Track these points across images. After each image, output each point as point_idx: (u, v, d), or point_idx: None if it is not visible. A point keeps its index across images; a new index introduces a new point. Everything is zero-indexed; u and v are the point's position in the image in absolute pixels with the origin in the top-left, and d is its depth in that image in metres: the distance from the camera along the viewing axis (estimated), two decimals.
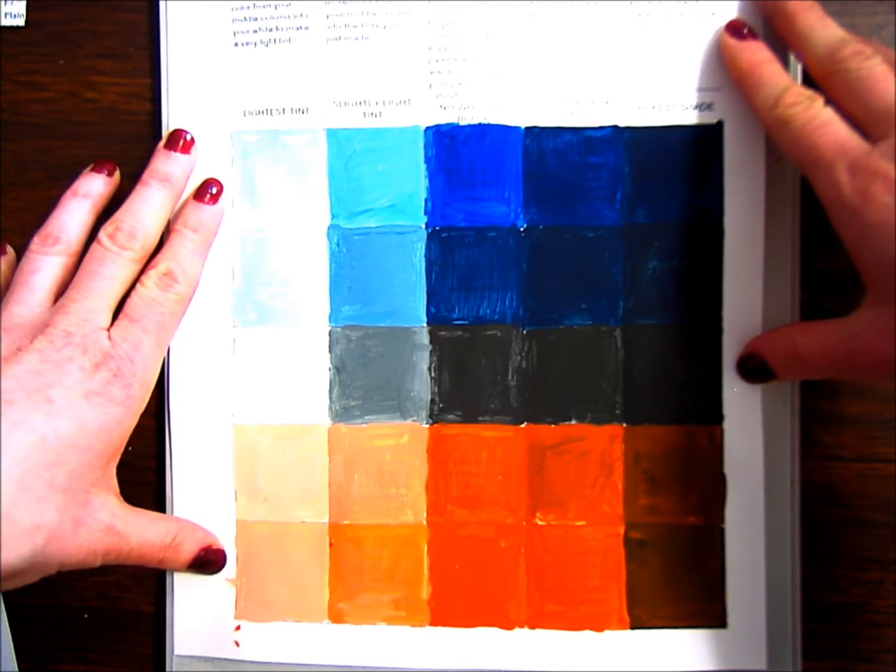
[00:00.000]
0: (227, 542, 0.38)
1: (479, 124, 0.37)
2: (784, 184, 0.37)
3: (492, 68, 0.37)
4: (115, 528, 0.34)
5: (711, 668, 0.37)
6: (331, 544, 0.38)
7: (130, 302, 0.36)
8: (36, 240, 0.36)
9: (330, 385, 0.38)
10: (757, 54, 0.34)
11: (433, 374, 0.38)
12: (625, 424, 0.37)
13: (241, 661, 0.38)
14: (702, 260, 0.37)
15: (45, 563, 0.33)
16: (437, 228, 0.38)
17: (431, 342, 0.38)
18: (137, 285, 0.36)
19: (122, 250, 0.35)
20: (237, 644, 0.38)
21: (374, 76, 0.38)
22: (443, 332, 0.38)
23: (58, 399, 0.33)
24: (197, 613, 0.38)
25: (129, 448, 0.39)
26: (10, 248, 0.39)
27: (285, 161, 0.38)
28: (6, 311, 0.35)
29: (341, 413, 0.38)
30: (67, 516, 0.33)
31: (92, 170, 0.38)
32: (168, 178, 0.37)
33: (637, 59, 0.37)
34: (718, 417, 0.37)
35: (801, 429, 0.37)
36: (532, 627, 0.37)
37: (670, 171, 0.37)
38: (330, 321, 0.38)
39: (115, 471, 0.36)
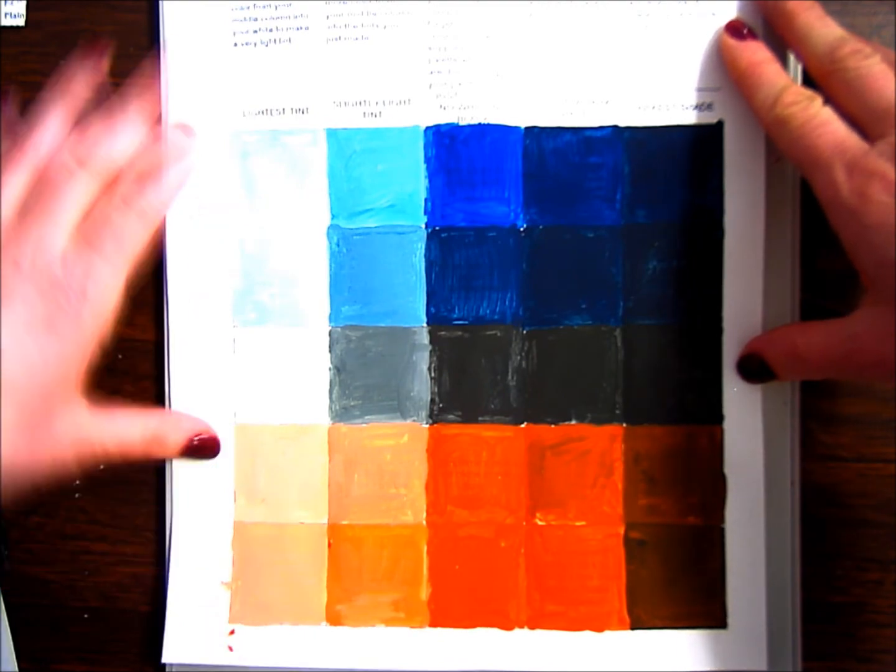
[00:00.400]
0: (224, 546, 0.38)
1: (479, 124, 0.37)
2: (784, 184, 0.36)
3: (492, 68, 0.37)
4: (85, 438, 0.34)
5: (711, 669, 0.37)
6: (330, 545, 0.38)
7: (88, 224, 0.34)
8: (6, 153, 0.35)
9: (330, 385, 0.38)
10: (756, 54, 0.34)
11: (433, 374, 0.38)
12: (625, 424, 0.37)
13: (235, 667, 0.38)
14: (702, 260, 0.37)
15: (14, 487, 0.33)
16: (437, 228, 0.38)
17: (431, 342, 0.38)
18: (98, 205, 0.34)
19: (84, 170, 0.34)
20: (230, 649, 0.38)
21: (373, 76, 0.37)
22: (443, 332, 0.38)
23: (2, 337, 0.32)
24: (189, 619, 0.38)
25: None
26: None
27: (285, 161, 0.38)
28: None
29: (341, 413, 0.38)
30: (24, 449, 0.32)
31: (78, 70, 0.36)
32: (141, 108, 0.36)
33: (637, 59, 0.37)
34: (718, 418, 0.37)
35: (801, 429, 0.37)
36: (532, 628, 0.37)
37: (670, 171, 0.37)
38: (330, 321, 0.38)
39: (82, 377, 0.34)
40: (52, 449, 0.34)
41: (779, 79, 0.33)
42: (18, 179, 0.35)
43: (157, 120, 0.37)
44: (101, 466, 0.35)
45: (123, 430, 0.36)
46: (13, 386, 0.32)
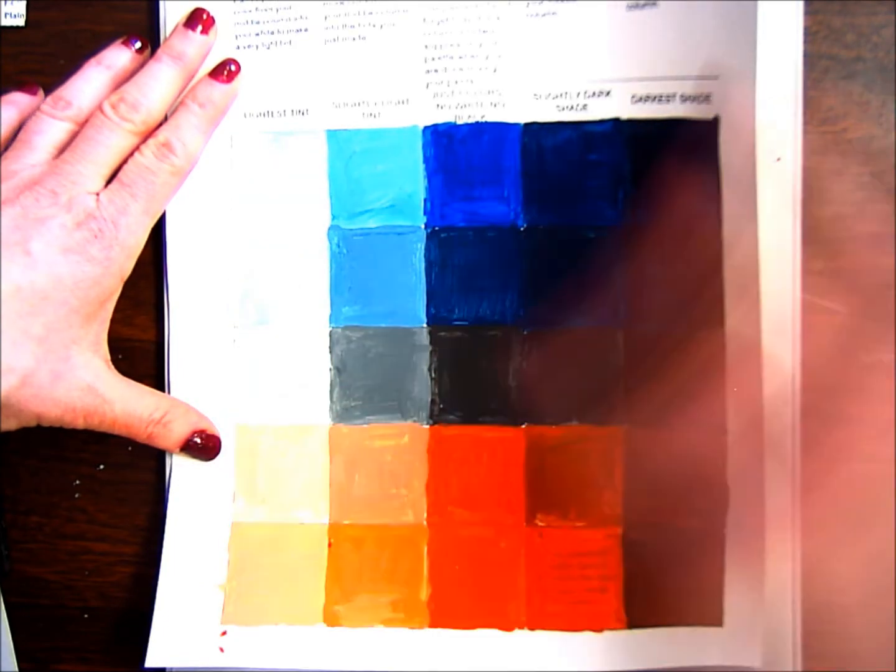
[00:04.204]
0: (220, 547, 0.38)
1: (477, 122, 0.37)
2: (784, 184, 0.36)
3: (488, 65, 0.37)
4: (97, 389, 0.35)
5: (709, 668, 0.36)
6: (330, 545, 0.38)
7: (125, 168, 0.36)
8: (48, 101, 0.37)
9: (331, 385, 0.38)
10: None
11: (433, 375, 0.38)
12: (626, 426, 0.37)
13: (225, 669, 0.37)
14: (703, 262, 0.36)
15: (21, 409, 0.34)
16: (437, 228, 0.38)
17: (431, 343, 0.38)
18: (134, 153, 0.36)
19: (122, 121, 0.36)
20: (221, 650, 0.37)
21: (372, 76, 0.38)
22: (443, 333, 0.38)
23: (36, 253, 0.34)
24: (179, 621, 0.37)
25: (129, 448, 0.39)
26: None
27: (286, 162, 0.38)
28: (1, 166, 0.35)
29: (342, 413, 0.38)
30: (45, 367, 0.34)
31: (122, 42, 0.38)
32: (181, 56, 0.37)
33: (637, 54, 0.37)
34: (722, 428, 0.36)
35: (802, 429, 0.37)
36: (532, 629, 0.37)
37: (670, 168, 0.37)
38: (330, 322, 0.38)
39: (104, 337, 0.37)
40: (67, 387, 0.35)
41: None
42: (60, 126, 0.36)
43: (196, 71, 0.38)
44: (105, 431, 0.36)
45: (135, 400, 0.36)
46: (42, 296, 0.34)
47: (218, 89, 0.37)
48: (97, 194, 0.35)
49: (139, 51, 0.38)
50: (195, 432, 0.37)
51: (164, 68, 0.37)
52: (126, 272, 0.36)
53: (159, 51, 0.37)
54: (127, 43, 0.38)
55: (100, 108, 0.36)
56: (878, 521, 0.36)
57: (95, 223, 0.35)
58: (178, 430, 0.37)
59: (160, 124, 0.37)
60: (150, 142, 0.36)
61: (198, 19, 0.37)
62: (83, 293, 0.35)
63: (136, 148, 0.36)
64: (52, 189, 0.35)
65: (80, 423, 0.36)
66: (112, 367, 0.37)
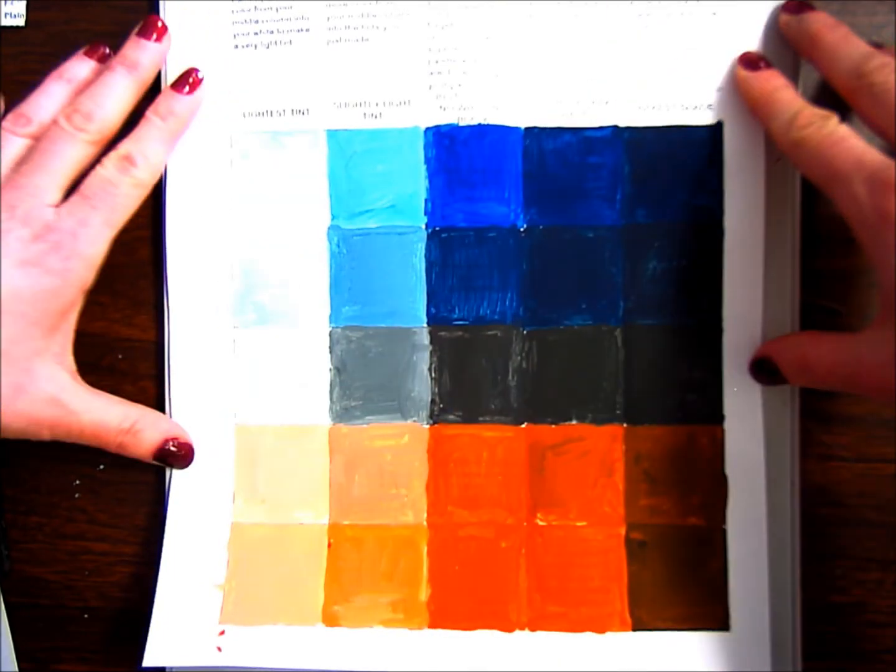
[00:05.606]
0: (219, 547, 0.38)
1: (479, 125, 0.37)
2: (784, 184, 0.37)
3: (491, 69, 0.37)
4: (61, 401, 0.35)
5: (714, 671, 0.36)
6: (329, 545, 0.38)
7: (86, 181, 0.36)
8: (9, 117, 0.36)
9: (331, 385, 0.38)
10: (770, 82, 0.34)
11: (433, 375, 0.38)
12: (625, 424, 0.37)
13: (223, 668, 0.37)
14: (702, 260, 0.37)
15: None
16: (437, 229, 0.38)
17: (432, 342, 0.38)
18: (96, 166, 0.36)
19: (77, 131, 0.36)
20: (219, 650, 0.37)
21: (374, 77, 0.38)
22: (443, 333, 0.38)
23: None
24: (177, 621, 0.37)
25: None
26: None
27: (285, 162, 0.38)
28: None
29: (342, 413, 0.38)
30: (6, 380, 0.34)
31: (83, 53, 0.38)
32: (135, 65, 0.37)
33: (637, 59, 0.37)
34: (719, 418, 0.37)
35: (801, 429, 0.37)
36: (533, 630, 0.37)
37: (670, 171, 0.37)
38: (330, 322, 0.38)
39: (69, 349, 0.37)
40: (30, 399, 0.35)
41: (793, 103, 0.33)
42: (18, 141, 0.36)
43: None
44: (72, 440, 0.36)
45: (103, 410, 0.36)
46: (1, 310, 0.33)
47: (180, 101, 0.37)
48: (56, 206, 0.35)
49: (102, 60, 0.38)
50: (168, 440, 0.37)
51: (118, 78, 0.36)
52: (87, 283, 0.36)
53: (113, 60, 0.37)
54: (88, 53, 0.38)
55: (54, 120, 0.36)
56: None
57: (53, 235, 0.34)
58: (149, 439, 0.37)
59: (123, 135, 0.37)
60: (112, 154, 0.36)
61: (151, 27, 0.37)
62: (43, 305, 0.34)
63: (97, 159, 0.36)
64: (10, 203, 0.34)
65: (46, 435, 0.35)
66: (79, 378, 0.37)
